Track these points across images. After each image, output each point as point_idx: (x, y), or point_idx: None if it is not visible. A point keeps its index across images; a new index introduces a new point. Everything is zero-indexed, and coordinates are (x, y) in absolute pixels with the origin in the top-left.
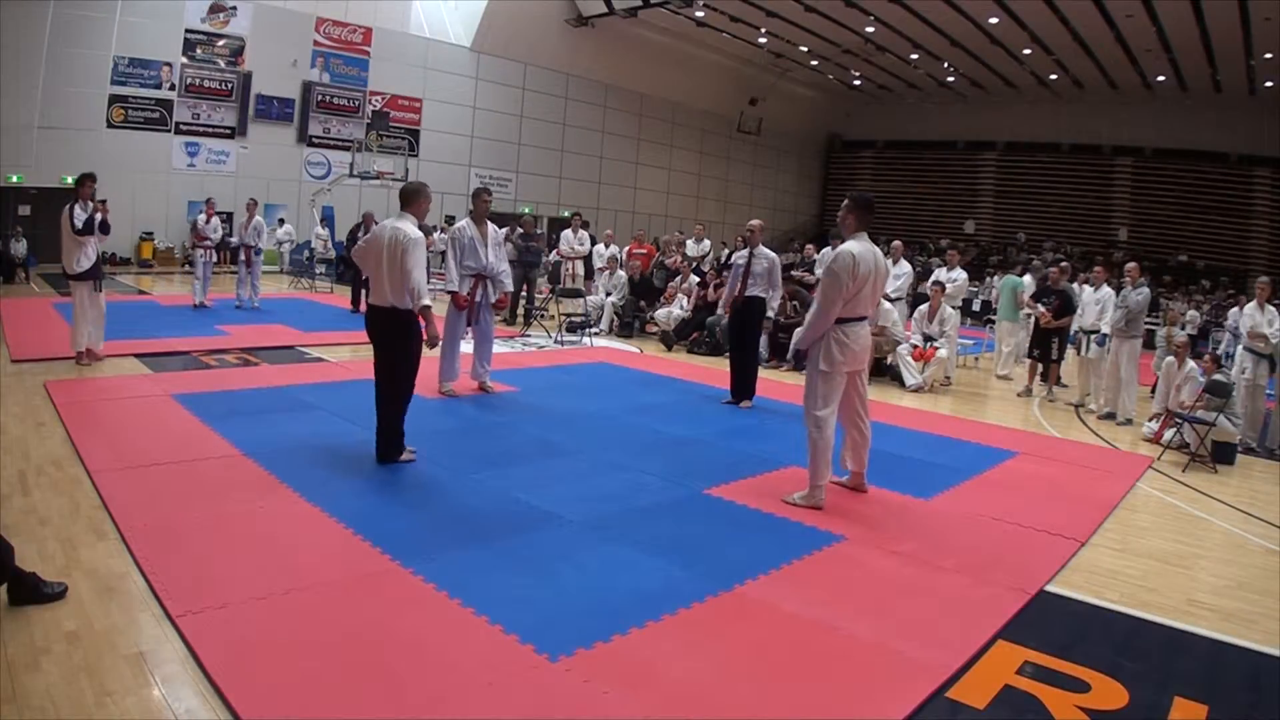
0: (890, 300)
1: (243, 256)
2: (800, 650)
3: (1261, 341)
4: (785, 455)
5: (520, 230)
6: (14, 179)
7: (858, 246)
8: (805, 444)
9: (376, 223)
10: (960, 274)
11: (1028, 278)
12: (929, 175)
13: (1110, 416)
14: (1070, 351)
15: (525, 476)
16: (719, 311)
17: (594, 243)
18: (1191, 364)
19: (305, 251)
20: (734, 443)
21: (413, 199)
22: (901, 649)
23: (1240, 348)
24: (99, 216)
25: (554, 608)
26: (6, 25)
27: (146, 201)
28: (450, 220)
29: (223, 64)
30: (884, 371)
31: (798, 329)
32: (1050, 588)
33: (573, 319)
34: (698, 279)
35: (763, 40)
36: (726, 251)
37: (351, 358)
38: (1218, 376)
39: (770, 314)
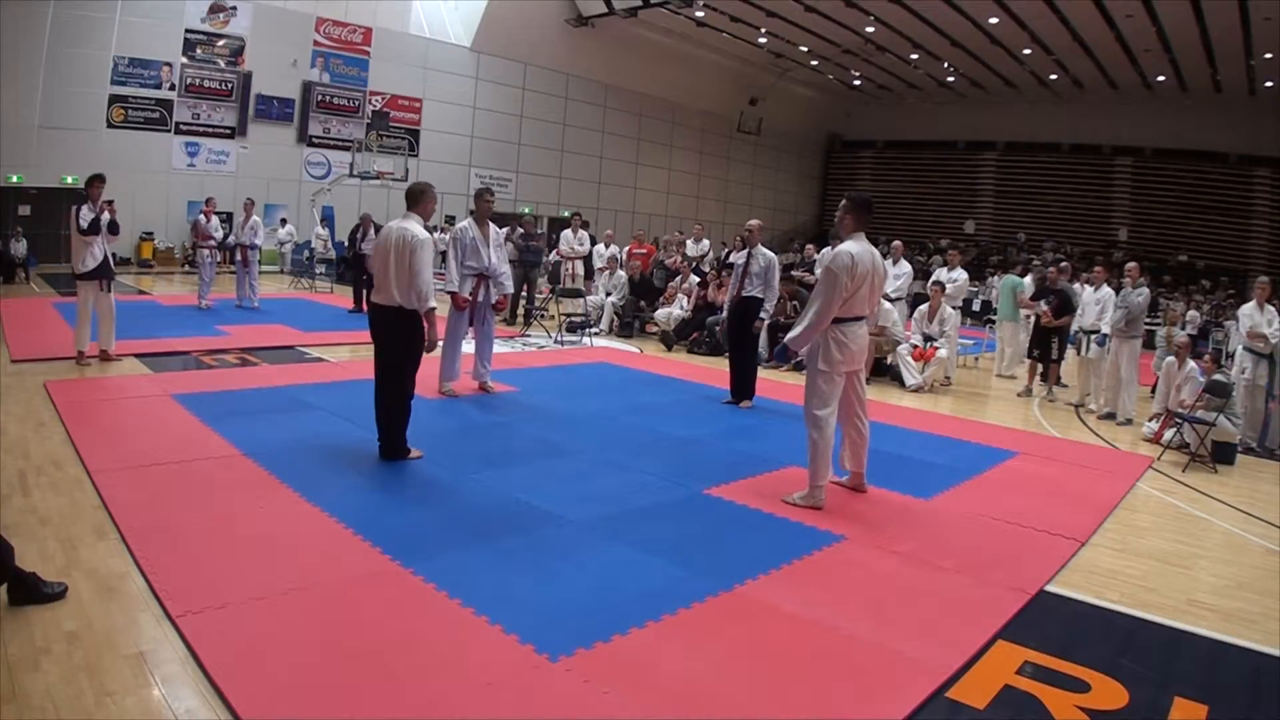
0: (890, 300)
1: (239, 256)
2: (800, 650)
3: (1261, 341)
4: (785, 455)
5: (521, 230)
6: (14, 179)
7: (856, 246)
8: (805, 444)
9: (376, 224)
10: (961, 274)
11: (1028, 278)
12: (929, 175)
13: (1110, 416)
14: (1070, 351)
15: (525, 476)
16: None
17: (594, 243)
18: (1191, 364)
19: (305, 251)
20: (734, 443)
21: (419, 199)
22: (901, 649)
23: (1240, 347)
24: (106, 217)
25: (554, 608)
26: (6, 25)
27: (146, 201)
28: (451, 220)
29: (223, 64)
30: (884, 371)
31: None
32: (1050, 588)
33: (573, 319)
34: (698, 279)
35: (763, 40)
36: (726, 251)
37: (351, 358)
38: (1218, 376)
39: (765, 314)
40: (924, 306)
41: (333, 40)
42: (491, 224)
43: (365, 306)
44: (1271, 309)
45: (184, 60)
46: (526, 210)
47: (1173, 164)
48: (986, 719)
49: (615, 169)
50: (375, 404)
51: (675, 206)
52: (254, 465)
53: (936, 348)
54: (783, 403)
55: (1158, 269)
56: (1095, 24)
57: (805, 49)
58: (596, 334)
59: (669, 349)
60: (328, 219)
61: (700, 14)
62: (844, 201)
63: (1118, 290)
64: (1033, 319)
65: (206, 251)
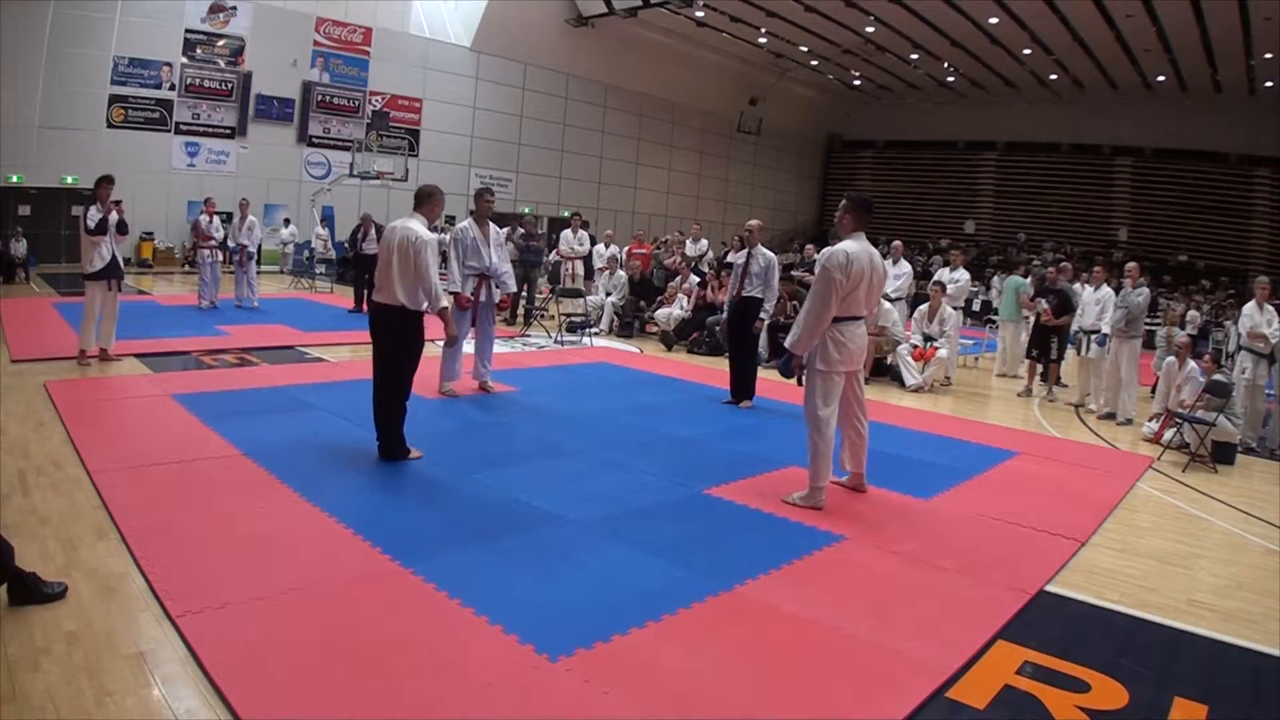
0: (890, 300)
1: (237, 257)
2: (800, 650)
3: (1261, 341)
4: (785, 455)
5: (521, 230)
6: (14, 179)
7: (853, 246)
8: (805, 444)
9: (377, 224)
10: (963, 274)
11: (1028, 278)
12: (929, 175)
13: (1110, 416)
14: (1070, 351)
15: (525, 476)
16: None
17: (594, 243)
18: (1192, 364)
19: (305, 251)
20: (734, 443)
21: (427, 200)
22: (901, 649)
23: (1240, 348)
24: (114, 217)
25: (554, 608)
26: (6, 25)
27: (146, 201)
28: (451, 221)
29: (223, 64)
30: (884, 371)
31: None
32: (1050, 588)
33: (573, 319)
34: (697, 279)
35: (763, 40)
36: (724, 251)
37: (351, 358)
38: (1218, 376)
39: (765, 315)
40: (924, 306)
41: (333, 40)
42: (492, 224)
43: (365, 307)
44: (1270, 309)
45: (184, 60)
46: (527, 210)
47: (1173, 164)
48: (986, 719)
49: (615, 169)
50: (373, 404)
51: (675, 206)
52: (254, 465)
53: (936, 348)
54: (783, 403)
55: (1158, 269)
56: (1095, 24)
57: (805, 49)
58: (596, 334)
59: (669, 349)
60: (328, 219)
61: (700, 14)
62: (843, 201)
63: (1118, 290)
64: (1032, 319)
65: (207, 252)
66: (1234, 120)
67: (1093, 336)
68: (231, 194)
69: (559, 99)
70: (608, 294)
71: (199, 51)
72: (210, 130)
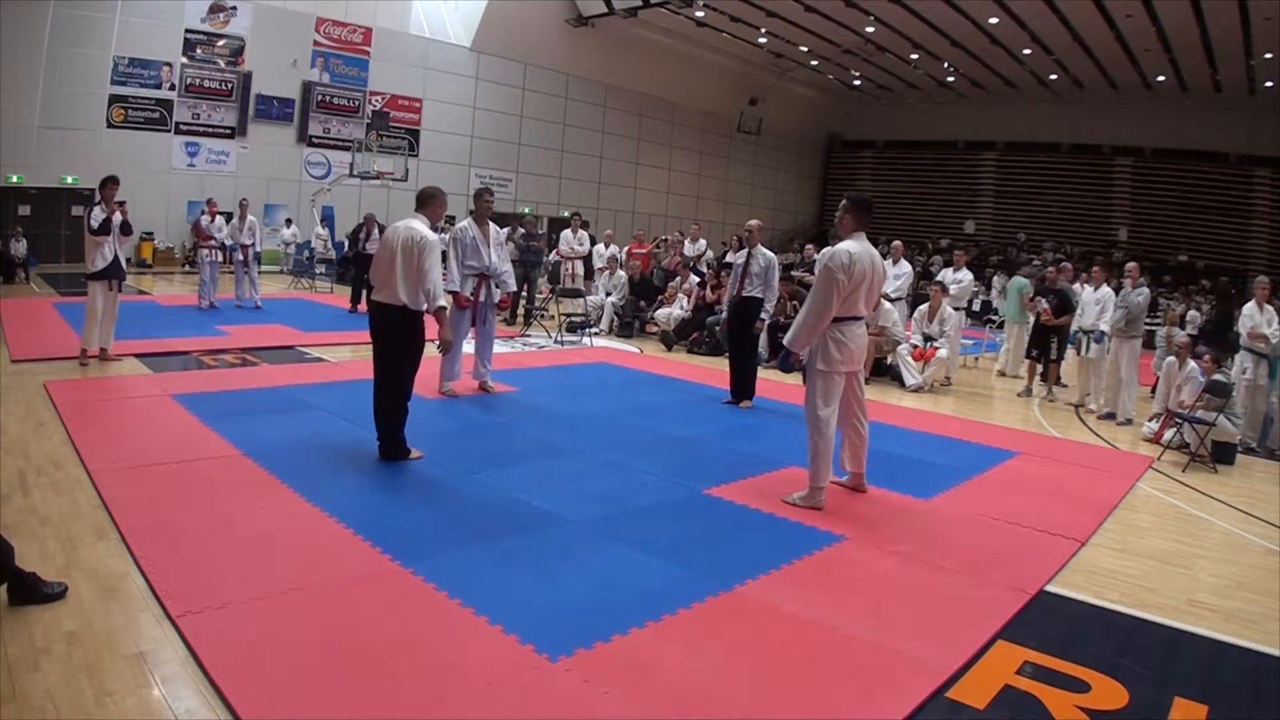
0: (890, 300)
1: (240, 256)
2: (800, 650)
3: (1262, 342)
4: (785, 455)
5: (522, 230)
6: (14, 179)
7: (854, 246)
8: (805, 444)
9: (379, 225)
10: (966, 275)
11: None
12: (929, 175)
13: (1110, 416)
14: (1070, 351)
15: (525, 476)
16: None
17: (594, 243)
18: (1192, 364)
19: (305, 251)
20: (734, 443)
21: (430, 202)
22: (901, 649)
23: (1240, 348)
24: (118, 218)
25: (554, 608)
26: (6, 25)
27: (146, 202)
28: (451, 220)
29: (223, 64)
30: (884, 371)
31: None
32: (1050, 588)
33: (573, 319)
34: (697, 279)
35: (763, 40)
36: (724, 251)
37: (351, 358)
38: (1218, 376)
39: (765, 315)
40: (924, 306)
41: (333, 40)
42: (492, 224)
43: (364, 306)
44: (1270, 309)
45: (184, 60)
46: (527, 210)
47: (1173, 164)
48: (986, 719)
49: (615, 169)
50: (374, 404)
51: (675, 206)
52: (254, 465)
53: (936, 348)
54: (783, 403)
55: (1158, 269)
56: (1095, 24)
57: (805, 49)
58: (596, 334)
59: (669, 349)
60: (328, 219)
61: (700, 14)
62: (844, 201)
63: (1118, 290)
64: (1033, 319)
65: (206, 252)
66: (1234, 120)
67: (1091, 336)
68: (231, 194)
69: (559, 99)
70: (608, 294)
71: (199, 51)
72: (210, 130)
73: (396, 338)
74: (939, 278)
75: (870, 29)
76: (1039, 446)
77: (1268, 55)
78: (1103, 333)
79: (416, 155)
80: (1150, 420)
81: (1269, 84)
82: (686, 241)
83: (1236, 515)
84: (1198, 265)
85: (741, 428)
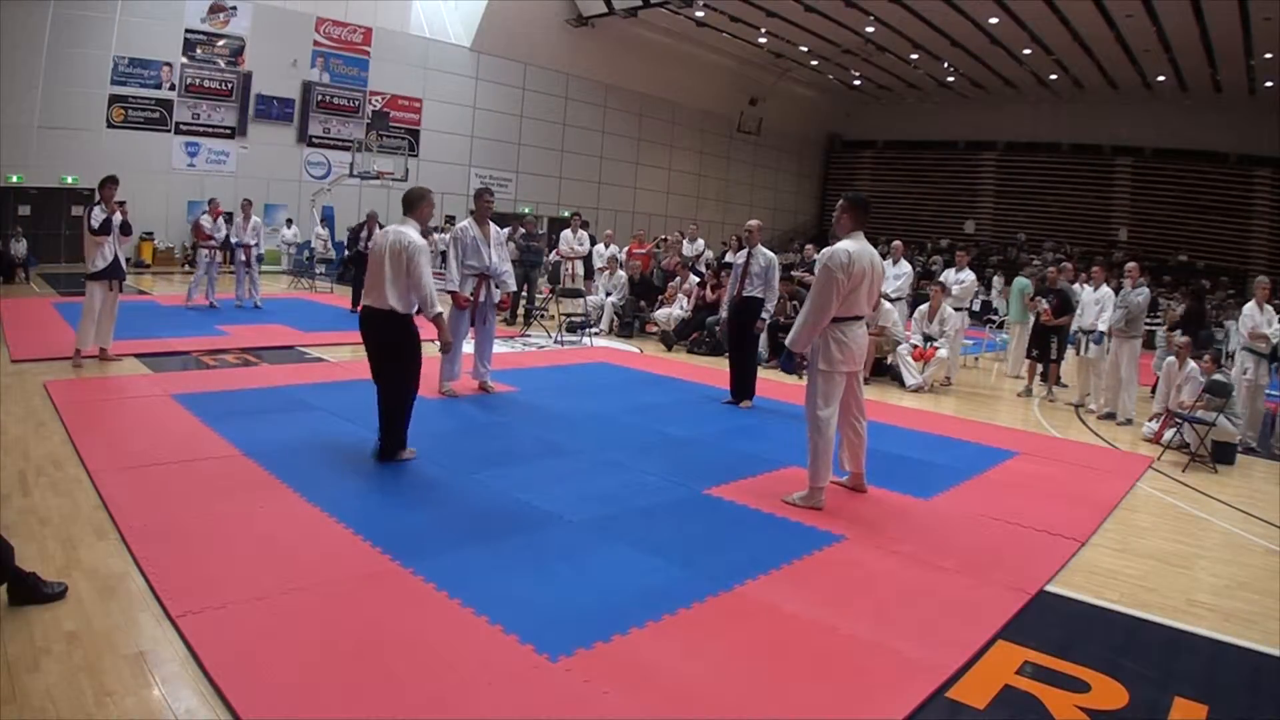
0: (890, 300)
1: (242, 256)
2: (800, 650)
3: (1262, 342)
4: (785, 455)
5: (522, 230)
6: (14, 179)
7: (853, 245)
8: (805, 444)
9: (380, 224)
10: (968, 275)
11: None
12: (929, 175)
13: (1110, 416)
14: (1070, 351)
15: (525, 476)
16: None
17: (594, 243)
18: (1192, 364)
19: (305, 251)
20: (734, 443)
21: (417, 204)
22: (901, 649)
23: (1240, 348)
24: (118, 218)
25: (554, 608)
26: (6, 25)
27: (146, 202)
28: (451, 220)
29: (223, 64)
30: (884, 371)
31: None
32: (1050, 588)
33: (573, 319)
34: (697, 279)
35: (763, 40)
36: (723, 251)
37: (352, 358)
38: (1218, 376)
39: (766, 315)
40: (924, 306)
41: (333, 40)
42: (492, 224)
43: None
44: (1270, 309)
45: (184, 60)
46: (527, 210)
47: (1173, 164)
48: (986, 719)
49: (615, 169)
50: (378, 405)
51: (675, 206)
52: (254, 465)
53: (936, 348)
54: (783, 403)
55: (1158, 269)
56: (1095, 24)
57: (805, 49)
58: (596, 334)
59: (669, 349)
60: (328, 219)
61: (700, 14)
62: (841, 201)
63: (1117, 290)
64: (1033, 319)
65: (205, 251)
66: (1234, 120)
67: (1090, 336)
68: (231, 194)
69: (559, 99)
70: (608, 294)
71: (199, 51)
72: (210, 130)
73: (389, 342)
74: (941, 278)
75: (870, 29)
76: (1039, 446)
77: (1268, 55)
78: (1101, 333)
79: (416, 155)
80: (1150, 420)
81: (1269, 84)
82: (685, 241)
83: (1236, 515)
84: (1198, 265)
85: (741, 428)
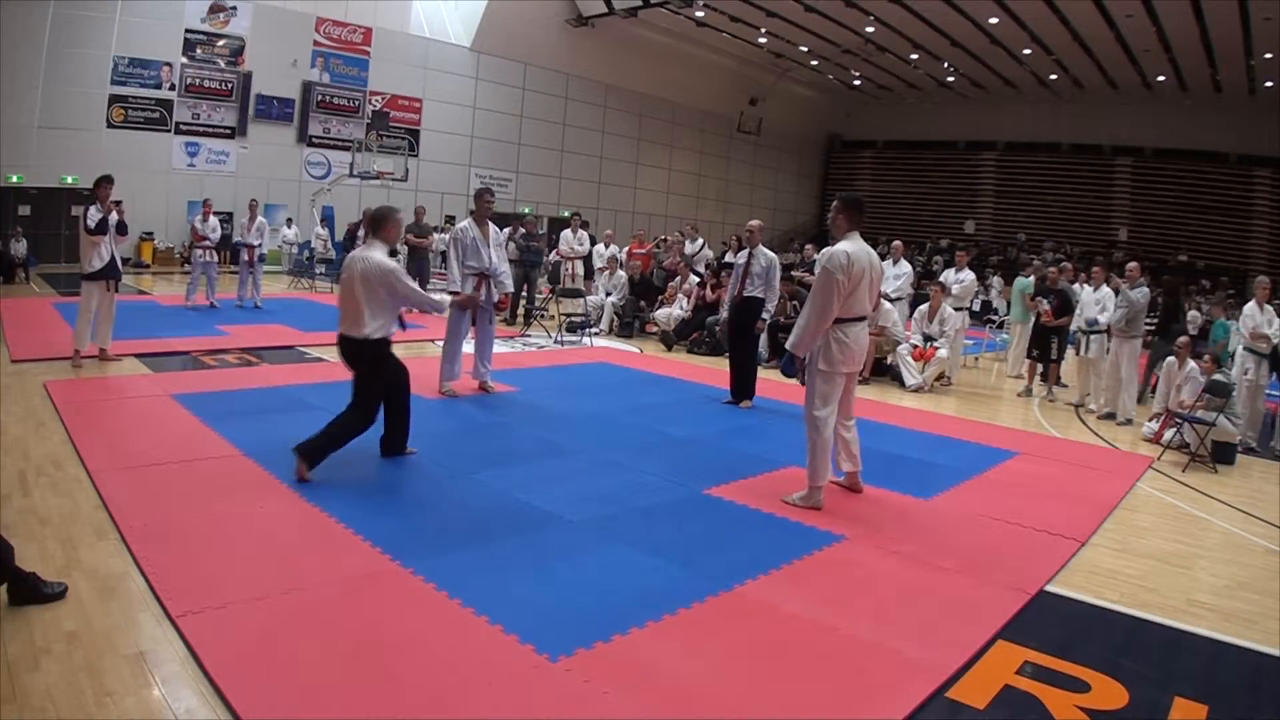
0: (890, 300)
1: (245, 256)
2: (800, 650)
3: (1263, 342)
4: (785, 455)
5: (522, 230)
6: (14, 179)
7: (851, 246)
8: (805, 444)
9: None
10: (968, 275)
11: (1032, 279)
12: (929, 175)
13: (1110, 416)
14: (1070, 351)
15: (525, 476)
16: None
17: (594, 243)
18: (1192, 364)
19: (305, 251)
20: (734, 443)
21: (384, 224)
22: (901, 649)
23: (1240, 348)
24: (114, 217)
25: (554, 608)
26: (6, 25)
27: (146, 201)
28: (451, 220)
29: (223, 64)
30: (884, 371)
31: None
32: (1050, 588)
33: (573, 319)
34: (697, 279)
35: (763, 40)
36: (723, 251)
37: None
38: (1218, 376)
39: (766, 315)
40: (924, 306)
41: (333, 40)
42: (492, 224)
43: None
44: (1270, 309)
45: (184, 60)
46: (527, 210)
47: (1173, 164)
48: (986, 719)
49: (615, 169)
50: (384, 408)
51: (675, 206)
52: (254, 465)
53: (936, 348)
54: (783, 403)
55: (1158, 269)
56: (1095, 24)
57: (805, 49)
58: (596, 334)
59: (669, 349)
60: (328, 219)
61: (700, 14)
62: (835, 202)
63: (1117, 291)
64: (1033, 319)
65: (200, 252)
66: (1234, 120)
67: (1090, 335)
68: (231, 194)
69: (559, 99)
70: (608, 294)
71: (199, 51)
72: (210, 130)
73: (371, 371)
74: (941, 278)
75: (870, 29)
76: (1039, 446)
77: (1268, 55)
78: (1097, 319)
79: (416, 155)
80: (1150, 420)
81: (1269, 84)
82: (686, 241)
83: (1236, 515)
84: (1198, 265)
85: (741, 428)
